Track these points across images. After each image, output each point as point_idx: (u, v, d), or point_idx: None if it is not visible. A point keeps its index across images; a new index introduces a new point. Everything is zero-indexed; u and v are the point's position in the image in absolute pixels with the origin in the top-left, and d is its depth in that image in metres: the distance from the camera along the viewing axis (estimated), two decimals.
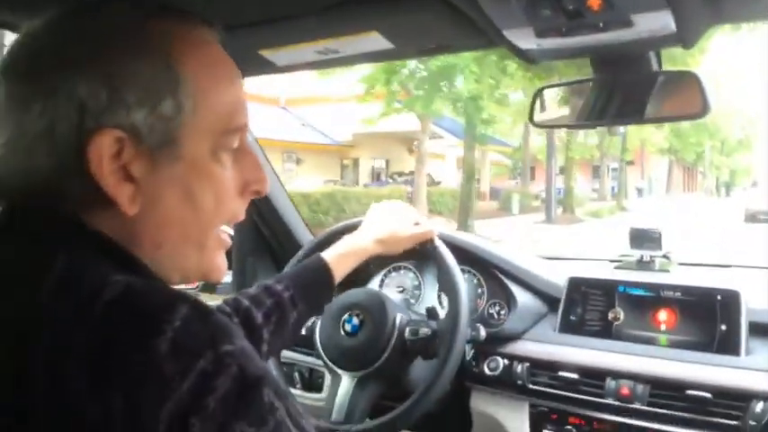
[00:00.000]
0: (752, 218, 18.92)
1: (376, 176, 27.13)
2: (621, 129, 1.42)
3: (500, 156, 31.88)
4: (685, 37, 1.02)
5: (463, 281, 1.34)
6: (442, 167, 26.91)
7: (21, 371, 0.51)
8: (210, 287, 1.89)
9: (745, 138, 45.88)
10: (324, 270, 1.22)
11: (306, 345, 1.48)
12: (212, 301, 1.31)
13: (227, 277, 1.93)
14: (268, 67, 1.26)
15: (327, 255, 1.24)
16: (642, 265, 1.60)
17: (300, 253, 1.46)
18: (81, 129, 0.57)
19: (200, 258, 0.66)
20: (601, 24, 0.94)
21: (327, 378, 1.63)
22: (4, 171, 0.60)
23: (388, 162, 27.79)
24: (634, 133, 29.28)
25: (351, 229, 1.37)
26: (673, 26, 0.95)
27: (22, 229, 0.59)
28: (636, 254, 1.62)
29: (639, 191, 37.76)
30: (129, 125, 0.58)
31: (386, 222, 1.33)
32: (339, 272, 1.24)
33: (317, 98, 22.46)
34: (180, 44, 0.61)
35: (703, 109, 1.08)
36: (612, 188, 35.01)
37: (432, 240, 1.37)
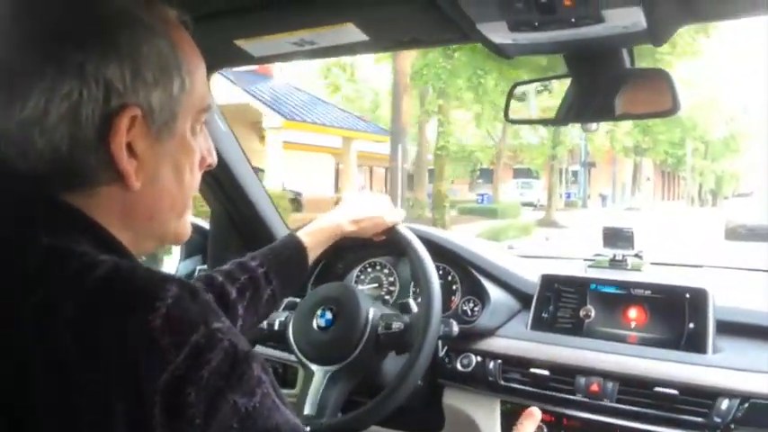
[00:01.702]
0: (733, 233, 14.55)
1: None
2: (594, 125, 1.44)
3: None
4: (656, 34, 1.03)
5: (436, 275, 1.34)
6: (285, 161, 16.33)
7: (10, 341, 0.53)
8: (187, 276, 1.87)
9: (731, 138, 38.71)
10: (297, 247, 1.22)
11: (279, 340, 1.47)
12: None
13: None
14: (244, 58, 1.26)
15: (301, 233, 1.25)
16: (615, 263, 1.61)
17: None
18: (106, 108, 0.59)
19: (176, 225, 0.71)
20: (573, 19, 0.95)
21: (301, 373, 1.62)
22: (15, 155, 0.59)
23: None
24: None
25: None
26: (644, 23, 0.97)
27: (6, 210, 0.60)
28: (609, 253, 1.63)
29: (604, 198, 32.09)
30: (147, 103, 0.61)
31: (360, 205, 1.34)
32: (313, 249, 1.24)
33: None
34: (172, 27, 0.65)
35: (673, 107, 1.10)
36: (569, 195, 30.83)
37: (395, 226, 1.37)
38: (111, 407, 0.50)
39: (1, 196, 0.60)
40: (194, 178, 0.70)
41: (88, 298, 0.53)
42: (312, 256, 1.24)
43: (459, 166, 28.85)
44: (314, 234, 1.25)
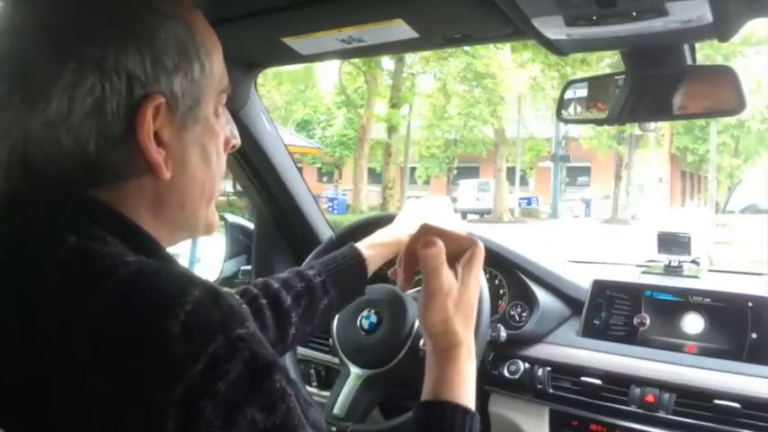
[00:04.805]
0: None
1: None
2: (652, 125, 1.38)
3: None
4: (722, 29, 0.98)
5: (486, 286, 1.28)
6: None
7: (30, 343, 0.51)
8: (230, 281, 1.88)
9: (767, 130, 27.77)
10: (357, 259, 1.17)
11: (323, 331, 1.44)
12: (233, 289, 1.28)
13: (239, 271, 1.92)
14: (292, 56, 1.25)
15: (361, 245, 1.20)
16: (670, 270, 1.55)
17: (326, 242, 1.43)
18: (130, 100, 0.57)
19: (207, 213, 0.69)
20: (633, 13, 0.91)
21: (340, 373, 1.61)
22: (42, 157, 0.58)
23: None
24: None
25: (383, 220, 1.33)
26: (709, 17, 0.92)
27: (33, 210, 0.59)
28: (664, 259, 1.57)
29: (587, 204, 24.65)
30: (170, 91, 0.60)
31: (423, 217, 1.27)
32: (372, 263, 1.19)
33: None
34: (185, 9, 0.63)
35: (739, 105, 1.04)
36: (528, 201, 24.81)
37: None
38: (125, 420, 0.48)
39: (30, 200, 0.59)
40: (221, 161, 0.69)
41: (108, 304, 0.51)
42: (372, 268, 1.20)
43: (433, 163, 25.02)
44: (375, 247, 1.21)
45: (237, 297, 1.05)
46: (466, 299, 0.77)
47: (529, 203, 24.71)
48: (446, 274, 0.75)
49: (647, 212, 22.43)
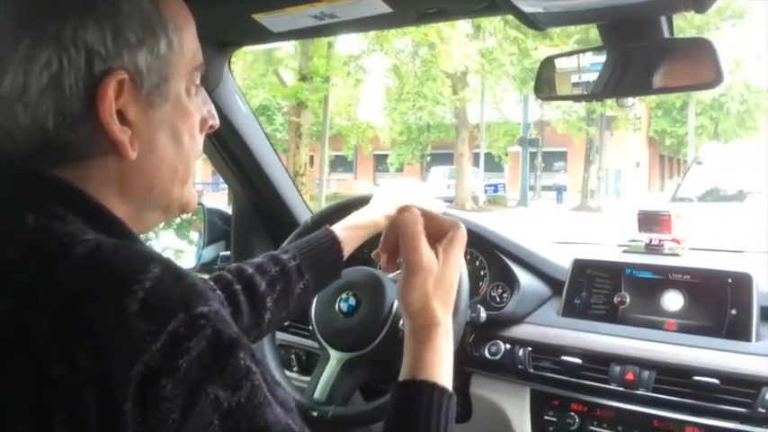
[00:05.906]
0: None
1: None
2: (630, 100, 1.38)
3: None
4: (699, 0, 0.96)
5: (464, 267, 1.27)
6: None
7: None
8: (208, 267, 1.85)
9: (746, 112, 26.16)
10: (332, 242, 1.17)
11: (301, 316, 1.43)
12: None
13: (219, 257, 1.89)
14: (263, 34, 1.22)
15: (336, 227, 1.20)
16: (651, 248, 1.54)
17: (303, 225, 1.41)
18: (90, 75, 0.56)
19: (181, 193, 0.67)
20: None
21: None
22: (0, 133, 0.57)
23: None
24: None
25: (359, 202, 1.32)
26: None
27: None
28: (644, 237, 1.57)
29: (559, 191, 23.53)
30: (133, 66, 0.58)
31: (398, 198, 1.26)
32: (348, 245, 1.19)
33: None
34: None
35: (717, 77, 1.03)
36: (495, 187, 23.03)
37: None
38: (83, 403, 0.46)
39: None
40: (195, 143, 0.67)
41: (64, 283, 0.50)
42: (347, 250, 1.19)
43: (405, 149, 24.24)
44: (350, 229, 1.20)
45: (211, 282, 1.04)
46: (446, 279, 0.77)
47: (495, 190, 23.27)
48: (426, 250, 0.75)
49: (615, 203, 21.15)
